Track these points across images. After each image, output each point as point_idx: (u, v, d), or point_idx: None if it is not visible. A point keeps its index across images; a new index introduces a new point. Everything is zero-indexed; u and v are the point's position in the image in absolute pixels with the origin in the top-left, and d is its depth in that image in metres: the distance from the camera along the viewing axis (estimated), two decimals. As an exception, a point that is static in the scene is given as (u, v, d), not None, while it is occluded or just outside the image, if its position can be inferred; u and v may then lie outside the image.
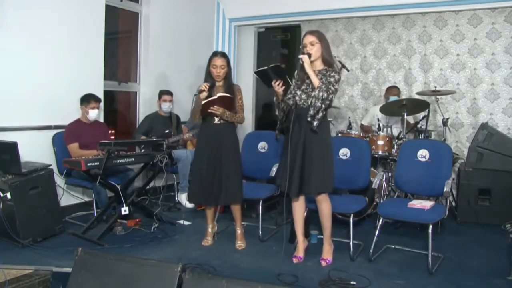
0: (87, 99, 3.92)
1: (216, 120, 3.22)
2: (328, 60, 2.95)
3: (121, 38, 5.18)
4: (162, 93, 4.62)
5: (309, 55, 2.85)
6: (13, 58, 3.58)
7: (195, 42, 5.58)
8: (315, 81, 2.81)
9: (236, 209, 3.34)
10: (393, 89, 4.66)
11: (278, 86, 2.87)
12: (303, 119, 2.87)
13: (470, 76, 4.61)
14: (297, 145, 2.89)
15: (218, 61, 3.19)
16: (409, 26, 4.88)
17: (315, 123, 2.82)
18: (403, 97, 4.79)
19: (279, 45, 6.15)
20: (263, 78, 2.93)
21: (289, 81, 2.90)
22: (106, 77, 4.42)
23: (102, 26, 4.29)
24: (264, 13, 5.59)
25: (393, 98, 4.49)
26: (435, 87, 4.38)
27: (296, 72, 2.99)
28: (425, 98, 4.37)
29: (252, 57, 6.02)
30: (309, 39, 2.90)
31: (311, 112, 2.82)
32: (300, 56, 2.84)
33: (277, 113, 3.05)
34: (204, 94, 3.11)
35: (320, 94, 2.80)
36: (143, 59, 5.02)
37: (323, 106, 2.81)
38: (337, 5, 5.10)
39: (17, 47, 3.60)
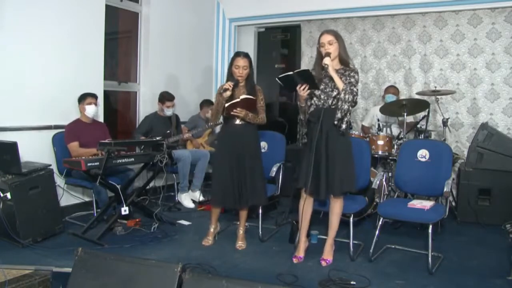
0: (83, 96, 3.94)
1: (238, 121, 3.20)
2: (344, 59, 2.95)
3: (121, 38, 5.18)
4: (166, 98, 4.58)
5: (329, 54, 2.84)
6: (13, 58, 3.58)
7: (195, 42, 5.58)
8: (340, 84, 2.81)
9: (244, 211, 3.33)
10: (390, 88, 4.66)
11: (303, 91, 2.84)
12: (325, 119, 2.86)
13: (470, 76, 4.61)
14: (321, 146, 2.89)
15: (241, 62, 3.17)
16: (409, 26, 4.88)
17: (343, 126, 2.85)
18: (403, 97, 4.80)
19: (279, 45, 6.14)
20: (287, 83, 2.88)
21: (317, 85, 2.87)
22: (106, 77, 4.42)
23: (102, 26, 4.29)
24: (264, 13, 5.60)
25: (389, 97, 4.50)
26: (435, 87, 4.37)
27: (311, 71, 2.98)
28: (425, 98, 4.37)
29: (252, 57, 5.98)
30: (327, 38, 2.90)
31: (339, 115, 2.83)
32: (325, 61, 2.81)
33: (301, 117, 3.06)
34: (228, 93, 3.09)
35: (347, 96, 2.81)
36: (143, 59, 5.02)
37: (350, 108, 2.84)
38: (337, 5, 5.10)
39: (17, 47, 3.60)
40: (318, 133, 2.86)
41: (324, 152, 2.89)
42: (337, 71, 2.90)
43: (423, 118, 4.15)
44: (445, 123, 4.20)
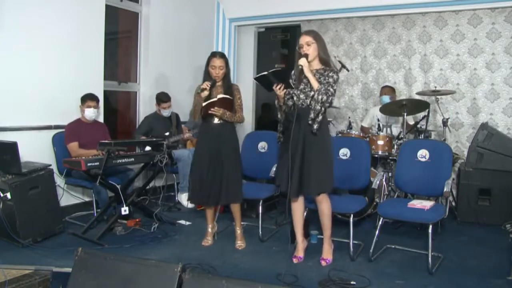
0: (84, 98, 3.94)
1: (216, 120, 3.23)
2: (325, 59, 2.96)
3: (121, 38, 5.18)
4: (161, 100, 4.57)
5: (306, 56, 2.86)
6: (13, 58, 3.58)
7: (195, 42, 5.58)
8: (315, 84, 2.82)
9: (236, 209, 3.34)
10: (384, 89, 4.66)
11: (279, 90, 2.85)
12: (302, 119, 2.87)
13: (470, 76, 4.61)
14: (297, 146, 2.90)
15: (217, 62, 3.19)
16: (409, 26, 4.88)
17: (315, 126, 2.84)
18: (403, 97, 4.80)
19: (279, 45, 6.15)
20: (264, 82, 2.91)
21: (292, 84, 2.89)
22: (106, 77, 4.42)
23: (102, 26, 4.29)
24: (264, 13, 5.59)
25: (385, 98, 4.50)
26: (435, 87, 4.37)
27: (293, 72, 2.99)
28: (425, 98, 4.37)
29: (252, 57, 6.02)
30: (305, 39, 2.92)
31: (312, 115, 2.83)
32: (299, 62, 2.84)
33: (279, 116, 3.06)
34: (206, 92, 3.12)
35: (319, 97, 2.81)
36: (143, 59, 5.02)
37: (323, 109, 2.84)
38: (337, 5, 5.10)
39: (17, 47, 3.60)
40: (295, 132, 2.86)
41: (300, 152, 2.89)
42: (317, 71, 2.92)
43: (423, 118, 4.14)
44: (445, 123, 4.19)
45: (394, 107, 4.15)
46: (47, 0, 3.80)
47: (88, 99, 3.92)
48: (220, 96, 3.17)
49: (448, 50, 4.69)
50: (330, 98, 2.83)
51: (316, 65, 2.96)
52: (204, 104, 3.13)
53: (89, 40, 4.18)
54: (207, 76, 3.23)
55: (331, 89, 2.84)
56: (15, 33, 3.58)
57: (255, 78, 2.94)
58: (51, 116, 3.90)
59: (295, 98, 2.94)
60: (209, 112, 3.16)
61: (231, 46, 5.92)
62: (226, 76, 3.26)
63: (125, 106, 5.17)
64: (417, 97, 4.47)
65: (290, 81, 2.89)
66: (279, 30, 6.04)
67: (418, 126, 4.18)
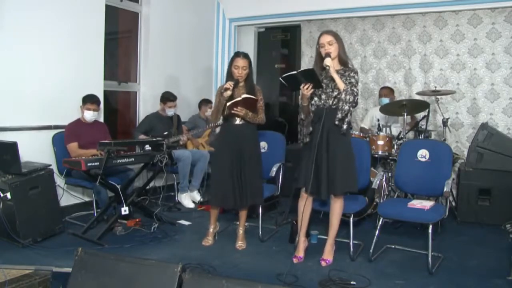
0: (84, 100, 3.93)
1: (238, 120, 3.21)
2: (344, 60, 2.96)
3: (121, 38, 5.18)
4: (168, 99, 4.58)
5: (329, 55, 2.85)
6: (13, 58, 3.58)
7: (195, 42, 5.59)
8: (341, 85, 2.82)
9: (244, 210, 3.33)
10: (383, 90, 4.65)
11: (307, 90, 2.83)
12: (326, 119, 2.87)
13: (470, 76, 4.61)
14: (322, 146, 2.89)
15: (241, 62, 3.17)
16: (409, 26, 4.88)
17: (344, 127, 2.86)
18: (403, 97, 4.80)
19: (279, 45, 6.14)
20: (290, 82, 2.88)
21: (321, 83, 2.87)
22: (106, 77, 4.42)
23: (102, 26, 4.29)
24: (264, 13, 5.60)
25: (384, 100, 4.50)
26: (435, 87, 4.38)
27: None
28: (425, 98, 4.37)
29: (252, 57, 5.96)
30: (327, 38, 2.90)
31: (339, 115, 2.84)
32: (326, 62, 2.81)
33: (302, 116, 3.06)
34: (229, 92, 3.09)
35: (347, 97, 2.82)
36: (143, 59, 5.02)
37: (351, 109, 2.85)
38: (337, 5, 5.10)
39: (17, 47, 3.60)
40: (319, 133, 2.86)
41: (325, 152, 2.89)
42: (337, 71, 2.90)
43: (423, 118, 4.14)
44: (445, 123, 4.20)
45: (394, 107, 4.15)
46: (47, 0, 3.80)
47: (88, 102, 3.91)
48: (244, 95, 3.12)
49: (448, 50, 4.69)
50: (356, 98, 2.86)
51: (336, 65, 2.94)
52: (228, 103, 3.09)
53: (89, 40, 4.18)
54: (229, 76, 3.21)
55: (355, 89, 2.86)
56: (15, 33, 3.58)
57: (282, 78, 2.88)
58: (51, 116, 3.90)
59: (316, 98, 2.93)
60: (232, 112, 3.12)
61: (231, 46, 5.92)
62: (249, 77, 3.24)
63: (125, 106, 5.17)
64: (417, 97, 4.48)
65: (320, 80, 2.86)
66: (279, 30, 6.04)
67: (418, 126, 4.18)
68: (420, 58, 4.85)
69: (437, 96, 4.30)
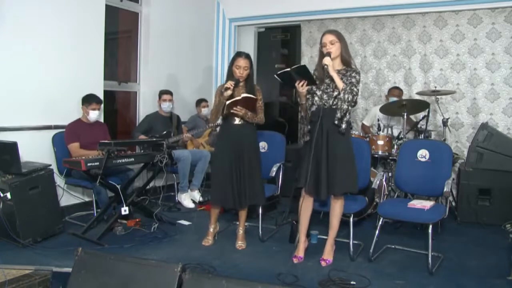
0: (89, 100, 3.91)
1: (237, 120, 3.21)
2: (346, 60, 2.95)
3: (121, 38, 5.18)
4: (162, 92, 4.64)
5: (329, 54, 2.85)
6: (13, 58, 3.58)
7: (195, 42, 5.58)
8: (340, 84, 2.82)
9: (244, 210, 3.33)
10: (393, 90, 4.66)
11: (301, 87, 2.84)
12: (325, 119, 2.87)
13: (470, 76, 4.61)
14: (321, 146, 2.89)
15: (242, 62, 3.17)
16: (409, 26, 4.88)
17: (343, 126, 2.85)
18: (403, 97, 4.80)
19: (279, 45, 6.15)
20: (285, 79, 2.90)
21: (315, 80, 2.88)
22: (106, 77, 4.42)
23: (102, 26, 4.29)
24: (264, 13, 5.60)
25: (392, 99, 4.50)
26: (435, 87, 4.38)
27: (313, 72, 2.98)
28: (425, 98, 4.37)
29: (252, 57, 5.99)
30: (329, 38, 2.91)
31: (338, 115, 2.84)
32: (324, 61, 2.82)
33: (302, 114, 3.05)
34: (229, 92, 3.09)
35: (346, 96, 2.82)
36: (143, 59, 5.02)
37: (350, 108, 2.85)
38: (337, 5, 5.10)
39: (17, 47, 3.60)
40: (318, 133, 2.86)
41: (325, 152, 2.89)
42: (339, 71, 2.90)
43: (423, 118, 4.14)
44: (445, 123, 4.20)
45: (394, 107, 4.15)
46: (47, 0, 3.79)
47: (94, 101, 3.90)
48: (244, 95, 3.12)
49: (448, 50, 4.69)
50: (355, 98, 2.85)
51: (338, 65, 2.95)
52: (228, 102, 3.09)
53: (89, 40, 4.17)
54: (230, 76, 3.21)
55: (355, 89, 2.85)
56: (15, 33, 3.58)
57: (277, 75, 2.90)
58: (51, 116, 3.90)
59: (316, 98, 2.93)
60: (231, 111, 3.13)
61: (231, 46, 5.92)
62: (250, 77, 3.24)
63: (125, 106, 5.17)
64: (417, 97, 4.48)
65: (314, 76, 2.86)
66: (279, 30, 6.04)
67: (418, 126, 4.18)
68: (420, 58, 4.85)
69: (437, 96, 4.30)
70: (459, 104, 4.68)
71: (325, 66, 2.82)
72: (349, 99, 2.82)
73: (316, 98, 2.93)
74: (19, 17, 3.60)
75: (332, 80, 2.87)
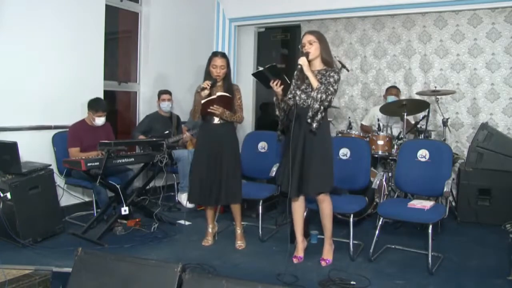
0: (95, 108, 3.86)
1: (216, 120, 3.23)
2: (327, 60, 2.96)
3: (121, 38, 5.18)
4: (161, 92, 4.65)
5: (307, 54, 2.86)
6: (13, 58, 3.58)
7: (195, 42, 5.58)
8: (314, 82, 2.82)
9: (236, 209, 3.34)
10: (391, 89, 4.66)
11: (276, 86, 2.87)
12: (303, 119, 2.88)
13: (470, 76, 4.61)
14: (297, 145, 2.90)
15: (218, 61, 3.20)
16: (409, 26, 4.88)
17: (314, 125, 2.84)
18: (403, 97, 4.80)
19: (279, 45, 6.15)
20: (261, 79, 2.93)
21: (287, 80, 2.90)
22: (106, 77, 4.42)
23: (102, 26, 4.29)
24: (264, 13, 5.59)
25: (391, 98, 4.50)
26: (435, 87, 4.38)
27: (295, 72, 2.99)
28: (425, 98, 4.37)
29: (252, 57, 6.02)
30: (308, 38, 2.92)
31: (310, 113, 2.83)
32: (299, 61, 2.84)
33: (277, 113, 3.05)
34: (206, 92, 3.12)
35: (319, 96, 2.80)
36: (143, 59, 5.02)
37: (322, 107, 2.83)
38: (337, 5, 5.10)
39: (17, 47, 3.60)
40: (294, 132, 2.87)
41: (300, 151, 2.90)
42: (318, 71, 2.92)
43: (423, 118, 4.14)
44: (445, 123, 4.20)
45: (394, 107, 4.15)
46: (47, 0, 3.79)
47: (100, 110, 3.87)
48: (219, 93, 3.17)
49: (448, 50, 4.69)
50: (330, 97, 2.83)
51: (318, 65, 2.96)
52: (203, 101, 3.13)
53: (89, 40, 4.17)
54: (207, 75, 3.23)
55: (331, 88, 2.84)
56: (15, 33, 3.58)
57: (253, 74, 2.97)
58: (51, 116, 3.90)
59: (296, 98, 2.94)
60: (208, 110, 3.15)
61: (231, 46, 5.92)
62: (227, 76, 3.26)
63: (125, 106, 5.17)
64: (417, 97, 4.48)
65: (289, 77, 2.89)
66: (279, 30, 6.04)
67: (418, 126, 4.18)
68: (420, 58, 4.85)
69: (437, 96, 4.30)
70: (459, 104, 4.68)
71: (299, 66, 2.85)
72: (322, 98, 2.79)
73: (297, 98, 2.94)
74: (19, 17, 3.60)
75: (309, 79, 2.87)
